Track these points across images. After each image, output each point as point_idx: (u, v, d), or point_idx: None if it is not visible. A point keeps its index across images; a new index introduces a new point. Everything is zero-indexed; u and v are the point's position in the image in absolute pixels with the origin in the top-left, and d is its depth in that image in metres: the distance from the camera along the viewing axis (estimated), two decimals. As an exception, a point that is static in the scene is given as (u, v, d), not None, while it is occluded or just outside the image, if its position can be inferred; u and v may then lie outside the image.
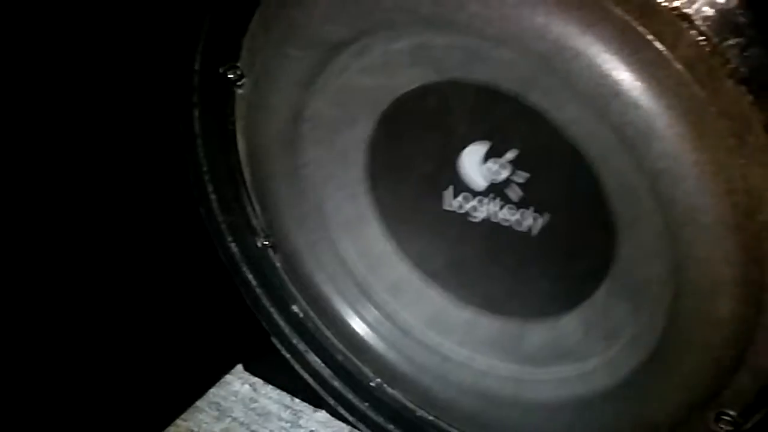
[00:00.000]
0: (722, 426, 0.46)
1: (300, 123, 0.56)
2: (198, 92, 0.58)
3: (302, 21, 0.50)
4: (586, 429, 0.53)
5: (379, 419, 0.63)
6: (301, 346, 0.65)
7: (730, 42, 0.37)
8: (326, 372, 0.65)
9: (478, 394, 0.58)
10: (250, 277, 0.65)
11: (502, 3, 0.41)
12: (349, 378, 0.64)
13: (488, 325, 0.58)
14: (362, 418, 0.64)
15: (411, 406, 0.62)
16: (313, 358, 0.65)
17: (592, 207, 0.47)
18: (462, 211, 0.54)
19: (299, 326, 0.65)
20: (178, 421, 0.73)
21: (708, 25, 0.37)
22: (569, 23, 0.40)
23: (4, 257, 0.56)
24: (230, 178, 0.62)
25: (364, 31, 0.49)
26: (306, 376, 0.65)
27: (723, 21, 0.37)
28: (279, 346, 0.66)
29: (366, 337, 0.62)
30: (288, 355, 0.66)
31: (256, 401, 0.75)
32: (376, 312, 0.61)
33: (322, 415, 0.72)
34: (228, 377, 0.77)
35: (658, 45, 0.38)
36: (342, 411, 0.65)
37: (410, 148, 0.55)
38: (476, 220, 0.54)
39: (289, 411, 0.73)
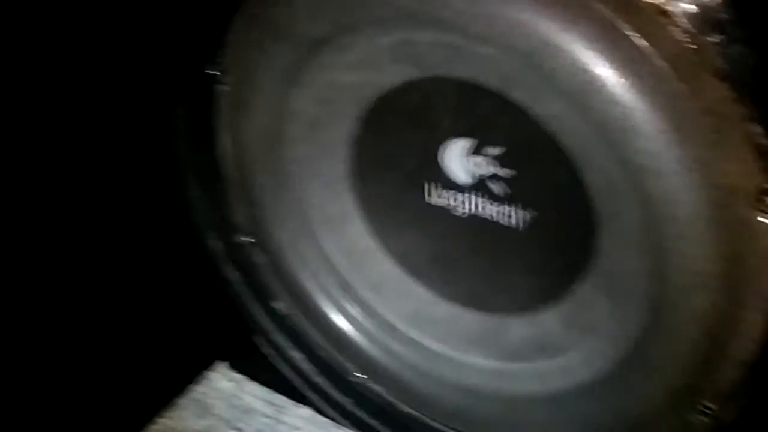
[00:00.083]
0: (703, 419, 0.47)
1: (283, 120, 0.56)
2: (182, 89, 0.58)
3: (285, 17, 0.50)
4: (568, 423, 0.53)
5: (363, 415, 0.64)
6: (284, 343, 0.65)
7: (712, 39, 0.37)
8: (309, 368, 0.65)
9: (460, 389, 0.59)
10: (232, 273, 0.65)
11: (487, 0, 0.41)
12: (332, 374, 0.64)
13: (470, 320, 0.58)
14: (346, 414, 0.64)
15: (394, 401, 0.62)
16: (296, 355, 0.65)
17: (574, 202, 0.47)
18: (446, 207, 0.54)
19: (282, 323, 0.65)
20: (159, 419, 0.72)
21: (690, 22, 0.38)
22: (552, 20, 0.40)
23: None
24: (214, 175, 0.61)
25: (348, 27, 0.49)
26: (288, 372, 0.65)
27: (705, 18, 0.38)
28: (261, 343, 0.65)
29: (349, 334, 0.62)
30: (270, 352, 0.65)
31: (238, 398, 0.74)
32: (359, 308, 0.61)
33: (306, 411, 0.71)
34: (210, 374, 0.76)
35: (640, 42, 0.39)
36: (325, 407, 0.65)
37: (394, 145, 0.55)
38: (460, 215, 0.54)
39: (272, 407, 0.73)
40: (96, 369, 0.66)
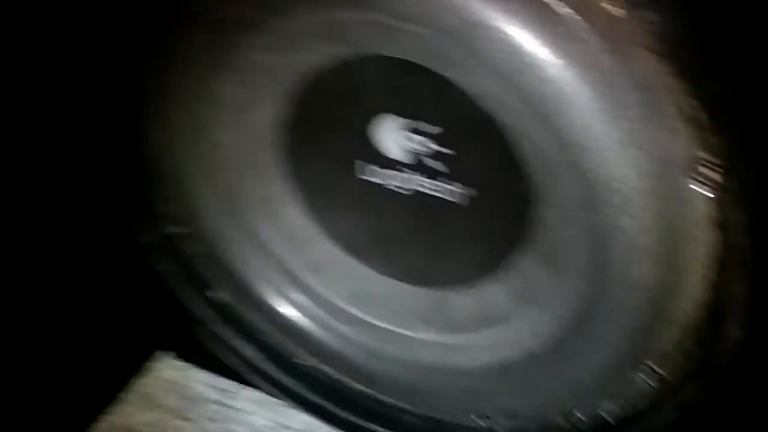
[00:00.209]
0: (648, 379, 0.48)
1: (208, 106, 0.53)
2: (106, 79, 0.55)
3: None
4: (518, 392, 0.54)
5: (314, 397, 0.63)
6: (225, 332, 0.64)
7: (644, 12, 0.37)
8: (254, 355, 0.64)
9: (408, 364, 0.59)
10: (166, 265, 0.63)
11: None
12: (279, 359, 0.63)
13: (415, 296, 0.58)
14: (296, 397, 0.64)
15: (345, 380, 0.62)
16: (240, 343, 0.64)
17: (513, 177, 0.47)
18: (384, 185, 0.53)
19: (222, 312, 0.63)
20: (104, 416, 0.71)
21: (622, -2, 0.37)
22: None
23: None
24: (144, 166, 0.58)
25: (270, 8, 0.47)
26: (234, 361, 0.64)
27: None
28: (202, 333, 0.64)
29: (292, 318, 0.61)
30: (212, 343, 0.64)
31: (185, 386, 0.73)
32: (301, 292, 0.61)
33: (257, 393, 0.70)
34: (152, 364, 0.75)
35: (572, 17, 0.38)
36: (275, 392, 0.65)
37: (327, 125, 0.53)
38: (399, 192, 0.53)
39: (221, 392, 0.72)
40: (32, 370, 0.63)
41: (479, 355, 0.55)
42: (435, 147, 0.50)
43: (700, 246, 0.41)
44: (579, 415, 0.52)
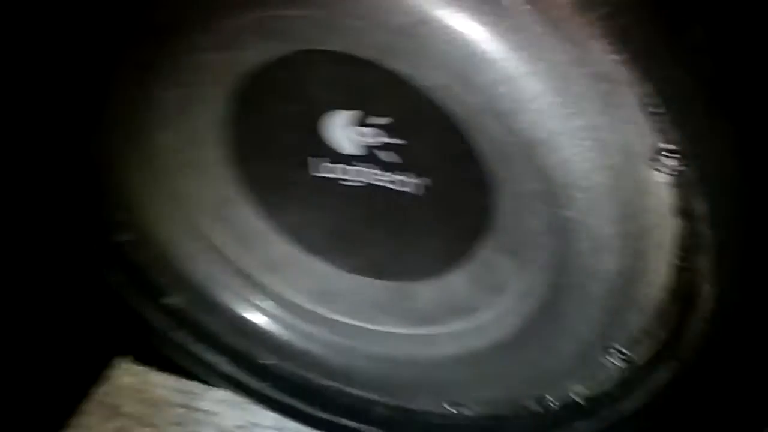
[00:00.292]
0: (616, 362, 0.48)
1: (148, 108, 0.51)
2: (46, 87, 0.52)
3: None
4: (487, 380, 0.54)
5: (282, 397, 0.62)
6: (185, 339, 0.62)
7: (597, 2, 0.35)
8: (216, 359, 0.62)
9: (374, 358, 0.58)
10: (116, 275, 0.61)
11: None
12: (242, 361, 0.62)
13: (377, 289, 0.57)
14: (264, 398, 0.62)
15: (310, 376, 0.61)
16: (200, 348, 0.62)
17: (469, 167, 0.46)
18: (337, 178, 0.51)
19: (179, 317, 0.61)
20: (66, 429, 0.69)
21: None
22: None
23: None
24: (89, 173, 0.55)
25: (205, 8, 0.44)
26: (196, 367, 0.62)
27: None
28: (161, 342, 0.62)
29: (252, 319, 0.60)
30: (171, 350, 0.62)
31: (145, 392, 0.71)
32: (259, 292, 0.59)
33: (221, 393, 0.69)
34: (111, 372, 0.73)
35: (522, 9, 0.36)
36: (241, 394, 0.63)
37: (273, 122, 0.51)
38: (353, 186, 0.51)
39: (184, 395, 0.70)
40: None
41: (447, 345, 0.54)
42: (387, 140, 0.48)
43: (665, 234, 0.41)
44: (550, 399, 0.52)
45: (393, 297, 0.56)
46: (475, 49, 0.38)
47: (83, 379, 0.71)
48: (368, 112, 0.47)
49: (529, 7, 0.37)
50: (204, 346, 0.62)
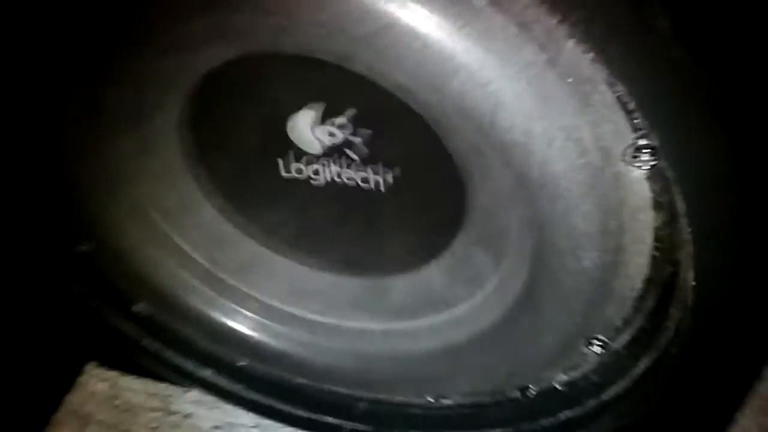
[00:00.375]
0: (596, 350, 0.48)
1: (103, 116, 0.48)
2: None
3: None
4: (467, 373, 0.53)
5: (257, 396, 0.61)
6: (156, 345, 0.60)
7: (570, 3, 0.34)
8: (189, 364, 0.61)
9: (352, 355, 0.57)
10: (82, 284, 0.58)
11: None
12: (216, 364, 0.61)
13: (351, 286, 0.56)
14: (242, 400, 0.61)
15: (287, 376, 0.60)
16: (172, 354, 0.61)
17: (440, 164, 0.45)
18: (304, 177, 0.50)
19: (148, 325, 0.60)
20: (39, 442, 0.67)
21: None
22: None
23: None
24: (50, 183, 0.53)
25: (159, 15, 0.42)
26: (169, 373, 0.61)
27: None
28: (131, 350, 0.60)
29: (225, 322, 0.58)
30: (142, 358, 0.60)
31: (117, 397, 0.69)
32: (230, 296, 0.57)
33: (194, 394, 0.68)
34: (81, 379, 0.71)
35: (492, 12, 0.35)
36: (217, 397, 0.62)
37: (236, 124, 0.50)
38: (321, 183, 0.50)
39: (157, 399, 0.69)
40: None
41: (427, 339, 0.53)
42: (353, 138, 0.47)
43: (644, 228, 0.40)
44: (532, 388, 0.52)
45: (368, 293, 0.55)
46: (446, 52, 0.36)
47: (55, 387, 0.69)
48: (333, 111, 0.46)
49: (499, 11, 0.35)
50: (176, 352, 0.60)
